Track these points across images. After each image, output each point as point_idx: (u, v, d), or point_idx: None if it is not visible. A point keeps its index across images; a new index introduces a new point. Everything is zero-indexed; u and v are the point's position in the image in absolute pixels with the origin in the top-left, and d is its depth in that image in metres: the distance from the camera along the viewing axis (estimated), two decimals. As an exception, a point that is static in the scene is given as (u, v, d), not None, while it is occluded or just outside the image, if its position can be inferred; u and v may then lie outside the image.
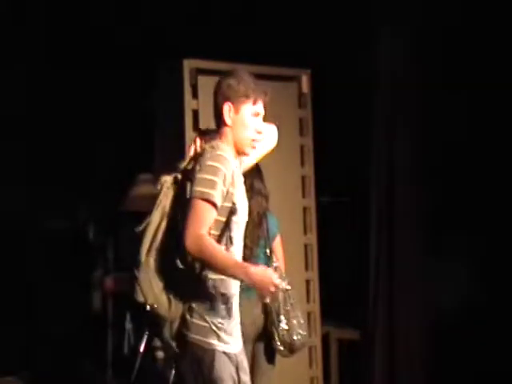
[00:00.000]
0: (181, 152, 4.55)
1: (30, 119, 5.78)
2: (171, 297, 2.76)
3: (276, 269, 3.99)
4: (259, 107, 2.89)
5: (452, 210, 4.94)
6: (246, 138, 2.86)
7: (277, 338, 3.92)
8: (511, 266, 4.67)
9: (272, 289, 2.66)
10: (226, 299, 2.82)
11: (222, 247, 2.74)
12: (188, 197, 2.70)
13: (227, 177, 2.73)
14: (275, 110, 4.83)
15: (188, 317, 2.78)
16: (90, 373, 5.44)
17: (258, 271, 2.64)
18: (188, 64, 4.62)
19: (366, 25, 5.08)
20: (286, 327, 3.91)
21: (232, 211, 2.78)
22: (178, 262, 2.71)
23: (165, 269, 2.76)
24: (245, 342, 3.99)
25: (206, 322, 2.77)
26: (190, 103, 4.59)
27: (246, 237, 3.74)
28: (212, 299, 2.79)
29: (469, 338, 4.73)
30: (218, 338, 2.78)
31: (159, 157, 5.02)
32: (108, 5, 5.45)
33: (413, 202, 5.03)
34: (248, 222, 3.78)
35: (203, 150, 2.83)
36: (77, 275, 5.86)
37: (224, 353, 2.79)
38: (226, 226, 2.77)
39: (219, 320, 2.80)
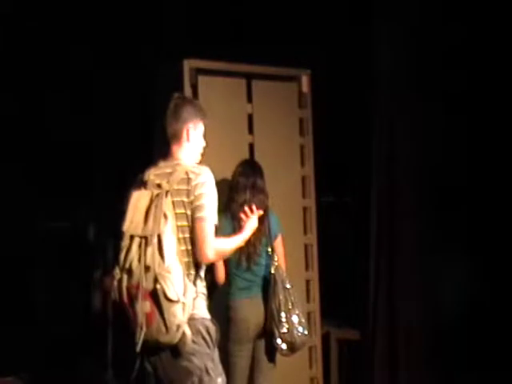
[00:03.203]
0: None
1: (30, 119, 5.78)
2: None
3: (276, 267, 4.01)
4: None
5: (452, 210, 4.94)
6: (200, 150, 3.46)
7: (278, 337, 3.92)
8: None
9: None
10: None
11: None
12: (194, 218, 3.16)
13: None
14: (275, 109, 4.93)
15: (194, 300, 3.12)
16: (90, 373, 5.44)
17: (248, 232, 3.41)
18: (188, 64, 4.62)
19: (365, 25, 5.09)
20: (287, 326, 3.91)
21: None
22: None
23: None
24: (246, 341, 4.02)
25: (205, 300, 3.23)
26: (190, 103, 4.58)
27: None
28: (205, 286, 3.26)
29: (469, 337, 4.73)
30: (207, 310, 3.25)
31: (159, 157, 5.01)
32: (108, 5, 5.45)
33: (413, 201, 5.04)
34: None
35: (185, 172, 3.30)
36: (77, 275, 5.86)
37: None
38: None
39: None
